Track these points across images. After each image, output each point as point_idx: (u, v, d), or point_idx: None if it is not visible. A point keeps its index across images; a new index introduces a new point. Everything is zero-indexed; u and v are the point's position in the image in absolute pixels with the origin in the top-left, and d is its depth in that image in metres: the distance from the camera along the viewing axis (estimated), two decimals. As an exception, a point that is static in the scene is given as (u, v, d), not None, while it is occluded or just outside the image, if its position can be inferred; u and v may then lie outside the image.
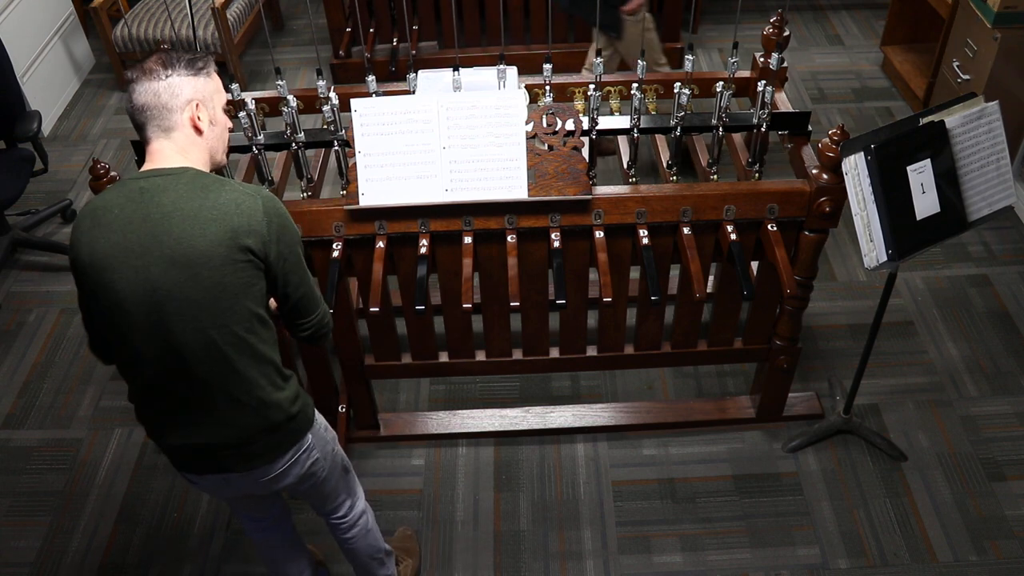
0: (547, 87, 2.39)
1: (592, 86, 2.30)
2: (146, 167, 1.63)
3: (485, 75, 2.42)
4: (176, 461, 1.78)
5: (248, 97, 2.35)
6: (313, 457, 1.84)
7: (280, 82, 2.23)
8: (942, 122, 2.07)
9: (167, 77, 1.60)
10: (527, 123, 2.11)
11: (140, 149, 2.30)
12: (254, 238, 1.57)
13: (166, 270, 1.53)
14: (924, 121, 2.08)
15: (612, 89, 2.62)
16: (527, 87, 2.45)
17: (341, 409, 2.72)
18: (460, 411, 2.84)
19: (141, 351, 1.60)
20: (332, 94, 2.23)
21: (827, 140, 2.14)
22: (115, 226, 1.55)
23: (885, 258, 2.10)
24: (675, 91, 2.26)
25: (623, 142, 2.84)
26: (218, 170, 1.74)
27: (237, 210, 1.56)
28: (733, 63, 2.32)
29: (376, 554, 2.20)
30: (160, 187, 1.56)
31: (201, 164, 1.66)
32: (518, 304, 2.17)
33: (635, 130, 2.30)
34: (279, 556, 2.15)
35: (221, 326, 1.58)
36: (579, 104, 2.56)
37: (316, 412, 1.86)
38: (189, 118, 1.62)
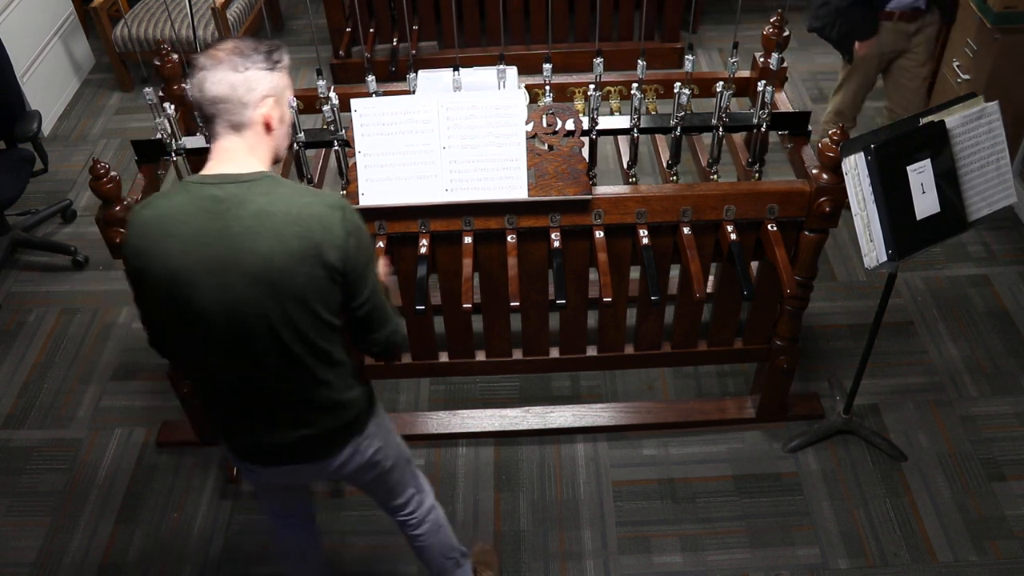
0: (547, 87, 2.39)
1: (592, 86, 2.30)
2: (213, 167, 1.55)
3: (485, 75, 2.42)
4: (240, 453, 1.77)
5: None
6: (375, 446, 1.83)
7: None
8: (942, 122, 2.07)
9: (245, 70, 1.51)
10: (527, 123, 2.11)
11: (144, 149, 2.32)
12: (336, 253, 1.52)
13: (248, 287, 1.49)
14: (924, 121, 2.08)
15: (612, 89, 2.62)
16: (527, 87, 2.45)
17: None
18: (460, 411, 2.84)
19: (218, 361, 1.59)
20: (332, 94, 2.23)
21: (827, 140, 2.14)
22: (187, 236, 1.48)
23: (885, 258, 2.10)
24: (675, 91, 2.26)
25: (623, 142, 2.84)
26: None
27: (320, 225, 1.50)
28: (733, 63, 2.32)
29: (450, 553, 2.18)
30: (237, 198, 1.49)
31: (267, 162, 1.60)
32: (518, 304, 2.17)
33: (635, 130, 2.30)
34: (301, 554, 2.14)
35: (302, 339, 1.57)
36: (579, 104, 2.56)
37: (378, 402, 1.86)
38: (263, 115, 1.54)
